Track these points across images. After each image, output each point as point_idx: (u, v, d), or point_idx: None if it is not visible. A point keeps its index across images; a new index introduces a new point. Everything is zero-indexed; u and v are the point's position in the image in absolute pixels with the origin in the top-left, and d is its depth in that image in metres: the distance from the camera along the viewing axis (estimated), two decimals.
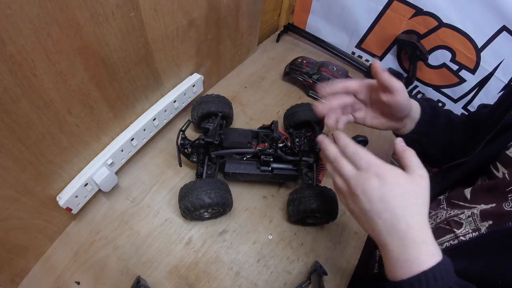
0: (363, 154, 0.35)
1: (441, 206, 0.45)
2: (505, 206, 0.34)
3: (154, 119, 0.58)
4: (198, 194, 0.48)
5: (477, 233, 0.36)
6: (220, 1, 0.61)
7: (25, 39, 0.32)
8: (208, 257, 0.52)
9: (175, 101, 0.61)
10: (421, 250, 0.29)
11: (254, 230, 0.55)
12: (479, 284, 0.30)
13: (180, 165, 0.56)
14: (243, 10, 0.70)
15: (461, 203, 0.42)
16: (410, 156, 0.34)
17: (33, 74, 0.34)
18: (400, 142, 0.36)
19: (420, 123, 0.47)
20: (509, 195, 0.35)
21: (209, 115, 0.61)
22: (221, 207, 0.51)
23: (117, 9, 0.40)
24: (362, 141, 0.53)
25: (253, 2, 0.73)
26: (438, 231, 0.41)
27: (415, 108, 0.47)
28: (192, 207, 0.48)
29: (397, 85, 0.40)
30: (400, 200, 0.31)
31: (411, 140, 0.47)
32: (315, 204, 0.49)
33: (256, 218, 0.57)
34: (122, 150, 0.54)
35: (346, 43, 0.93)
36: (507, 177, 0.37)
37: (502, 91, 0.47)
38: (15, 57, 0.32)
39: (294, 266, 0.52)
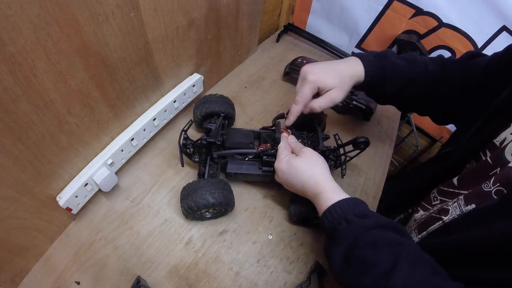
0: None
1: (434, 198, 0.49)
2: (484, 187, 0.37)
3: (154, 119, 0.58)
4: (203, 193, 0.48)
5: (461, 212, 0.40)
6: (220, 1, 0.61)
7: (25, 39, 0.32)
8: (208, 257, 0.52)
9: (175, 101, 0.61)
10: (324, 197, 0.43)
11: (254, 230, 0.55)
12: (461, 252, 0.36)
13: (182, 165, 0.56)
14: (243, 10, 0.70)
15: (450, 190, 0.45)
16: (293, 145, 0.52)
17: (33, 74, 0.34)
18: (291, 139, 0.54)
19: (367, 86, 0.55)
20: (491, 177, 0.37)
21: (212, 114, 0.61)
22: (224, 207, 0.51)
23: (117, 9, 0.40)
24: (364, 142, 0.53)
25: (253, 2, 0.73)
26: (429, 220, 0.46)
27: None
28: (196, 206, 0.48)
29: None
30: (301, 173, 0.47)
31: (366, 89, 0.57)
32: None
33: (256, 218, 0.57)
34: (122, 150, 0.54)
35: (346, 43, 0.93)
36: (489, 160, 0.39)
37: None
38: (15, 57, 0.32)
39: (294, 266, 0.52)
